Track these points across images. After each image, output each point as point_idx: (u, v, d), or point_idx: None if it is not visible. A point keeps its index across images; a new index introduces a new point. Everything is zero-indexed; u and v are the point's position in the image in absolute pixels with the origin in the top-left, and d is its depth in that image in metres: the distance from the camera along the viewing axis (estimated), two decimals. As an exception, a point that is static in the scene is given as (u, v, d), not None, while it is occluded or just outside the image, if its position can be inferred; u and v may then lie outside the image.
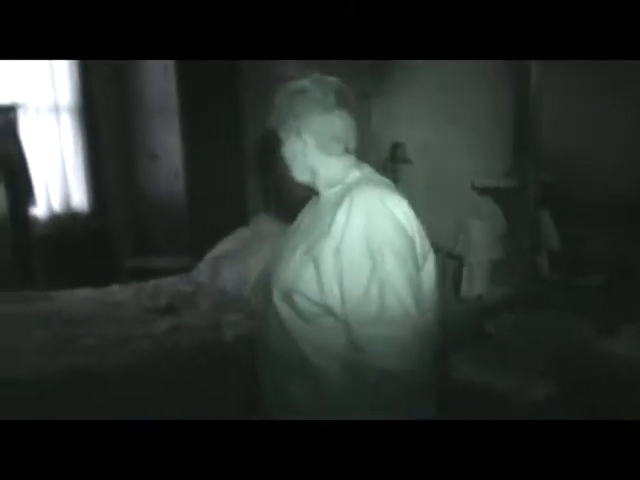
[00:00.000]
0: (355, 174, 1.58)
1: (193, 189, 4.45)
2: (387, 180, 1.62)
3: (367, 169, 1.62)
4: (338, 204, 1.49)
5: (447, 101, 2.94)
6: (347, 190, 1.51)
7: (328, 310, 1.45)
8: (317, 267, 1.44)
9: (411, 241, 1.47)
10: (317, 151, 1.57)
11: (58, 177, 4.85)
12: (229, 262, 3.62)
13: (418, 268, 1.49)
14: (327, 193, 1.60)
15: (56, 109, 4.77)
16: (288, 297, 1.48)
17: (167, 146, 4.55)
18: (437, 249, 2.71)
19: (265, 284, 1.59)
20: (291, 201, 3.95)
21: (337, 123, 1.54)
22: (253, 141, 4.36)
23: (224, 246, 3.84)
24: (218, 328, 2.89)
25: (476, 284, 2.62)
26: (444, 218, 2.90)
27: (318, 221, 1.54)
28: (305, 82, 1.55)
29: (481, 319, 2.38)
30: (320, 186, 1.61)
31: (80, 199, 5.01)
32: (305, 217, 1.68)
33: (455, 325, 2.46)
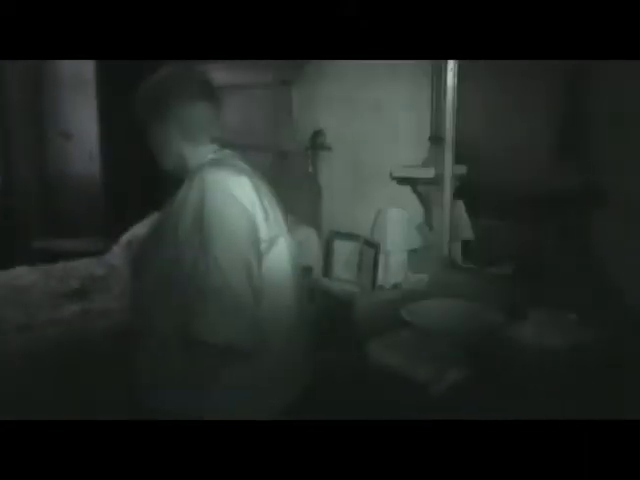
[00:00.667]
0: (209, 157, 1.65)
1: (108, 171, 4.30)
2: (242, 164, 1.70)
3: (227, 153, 1.69)
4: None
5: (368, 90, 2.96)
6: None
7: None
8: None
9: (249, 223, 1.52)
10: (182, 140, 1.64)
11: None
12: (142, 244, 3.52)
13: (257, 250, 1.54)
14: None
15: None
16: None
17: (82, 126, 4.38)
18: (356, 237, 2.76)
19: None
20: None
21: (200, 113, 1.62)
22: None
23: (138, 229, 3.71)
24: (125, 313, 2.80)
25: (392, 272, 2.66)
26: (364, 206, 2.93)
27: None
28: (169, 72, 1.58)
29: (398, 307, 2.41)
30: (188, 174, 1.64)
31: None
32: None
33: (374, 312, 2.50)
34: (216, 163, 1.64)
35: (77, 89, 4.28)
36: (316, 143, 3.15)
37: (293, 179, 3.24)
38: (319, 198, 3.11)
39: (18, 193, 4.83)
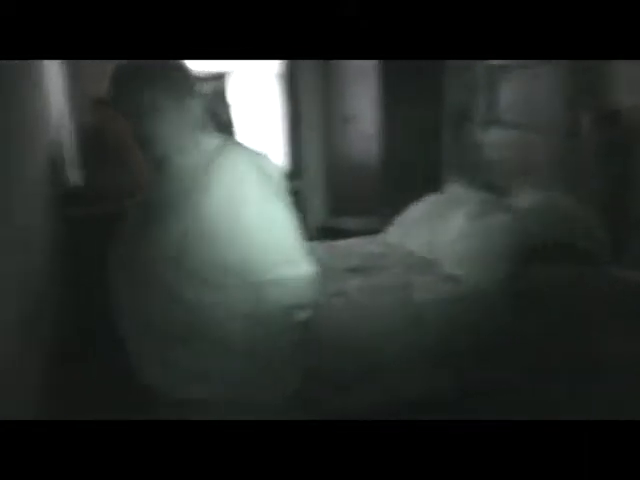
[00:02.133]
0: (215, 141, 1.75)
1: (387, 152, 4.47)
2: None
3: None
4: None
5: None
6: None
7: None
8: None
9: None
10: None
11: (257, 139, 5.15)
12: (421, 226, 3.60)
13: None
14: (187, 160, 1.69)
15: (262, 75, 5.04)
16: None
17: (363, 109, 4.61)
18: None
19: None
20: (486, 168, 3.84)
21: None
22: (451, 107, 4.26)
23: (416, 210, 3.82)
24: (407, 289, 2.90)
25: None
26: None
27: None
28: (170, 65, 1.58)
29: None
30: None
31: (279, 161, 5.27)
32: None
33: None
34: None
35: (358, 76, 4.52)
36: (610, 122, 2.89)
37: (581, 158, 3.03)
38: (609, 180, 2.86)
39: (305, 175, 5.30)
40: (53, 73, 3.69)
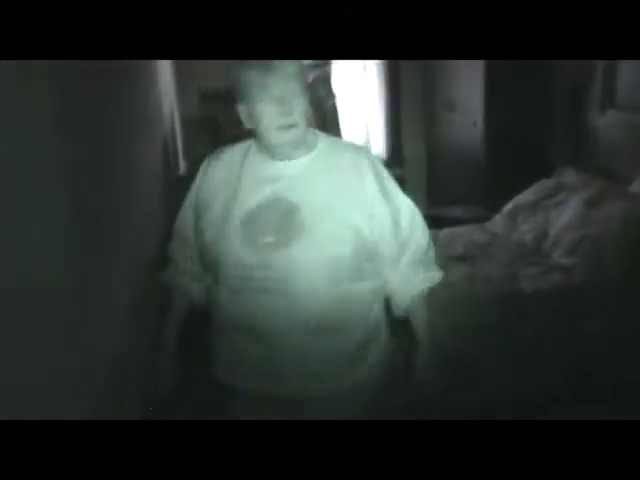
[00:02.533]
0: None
1: (492, 139, 4.34)
2: None
3: None
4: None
5: None
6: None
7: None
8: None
9: None
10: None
11: (360, 128, 5.15)
12: (529, 214, 3.48)
13: None
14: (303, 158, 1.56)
15: (364, 63, 5.04)
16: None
17: (466, 94, 4.50)
18: None
19: None
20: (601, 152, 3.63)
21: None
22: (561, 90, 4.07)
23: (524, 197, 3.69)
24: (515, 280, 2.81)
25: None
26: None
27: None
28: None
29: None
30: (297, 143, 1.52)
31: (380, 149, 5.26)
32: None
33: None
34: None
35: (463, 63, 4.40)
36: None
37: None
38: None
39: (408, 163, 5.24)
40: (164, 71, 3.87)
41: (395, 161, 5.20)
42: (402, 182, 5.22)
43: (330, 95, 4.64)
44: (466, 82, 4.48)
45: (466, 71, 4.42)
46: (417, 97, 5.20)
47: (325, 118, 4.63)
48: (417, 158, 5.31)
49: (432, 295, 2.68)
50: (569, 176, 3.61)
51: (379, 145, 5.23)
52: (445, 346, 2.56)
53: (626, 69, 3.36)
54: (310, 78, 4.46)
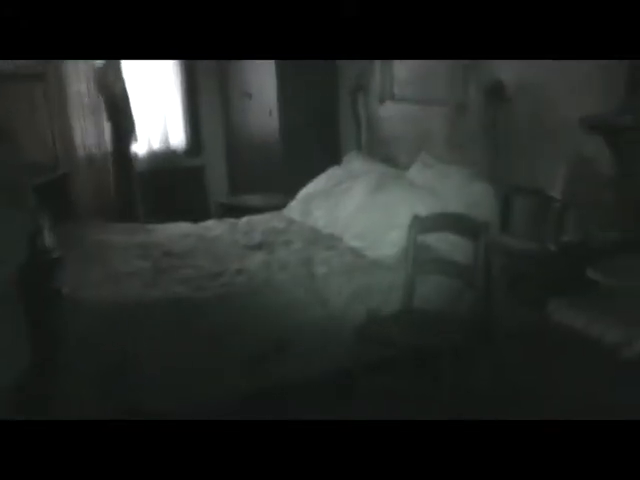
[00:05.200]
0: None
1: (287, 129, 4.46)
2: None
3: None
4: None
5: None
6: None
7: None
8: None
9: None
10: None
11: (158, 116, 4.99)
12: (321, 200, 3.63)
13: None
14: None
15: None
16: None
17: (261, 85, 4.56)
18: (538, 192, 2.62)
19: None
20: (382, 140, 3.91)
21: None
22: (347, 80, 4.30)
23: (316, 184, 3.84)
24: (309, 264, 2.92)
25: (578, 227, 2.50)
26: (545, 160, 2.77)
27: None
28: None
29: (584, 264, 2.27)
30: None
31: (178, 138, 5.15)
32: None
33: (556, 270, 2.38)
34: None
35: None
36: (495, 95, 3.01)
37: (470, 131, 3.14)
38: (497, 150, 2.99)
39: (206, 152, 5.21)
40: None
41: (194, 151, 5.16)
42: (201, 172, 5.16)
43: (119, 79, 4.43)
44: (262, 73, 4.53)
45: (261, 63, 4.47)
46: (214, 87, 5.16)
47: (114, 103, 4.42)
48: (216, 148, 5.28)
49: (229, 283, 2.69)
50: (355, 163, 3.83)
51: (178, 136, 5.13)
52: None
53: (400, 65, 3.63)
54: (100, 63, 4.23)
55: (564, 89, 2.74)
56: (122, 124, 4.52)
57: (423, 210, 2.92)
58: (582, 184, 2.47)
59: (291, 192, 4.01)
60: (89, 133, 4.42)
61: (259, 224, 3.68)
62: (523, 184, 2.79)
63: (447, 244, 2.95)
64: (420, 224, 2.83)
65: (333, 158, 4.13)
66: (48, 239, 2.17)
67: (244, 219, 3.81)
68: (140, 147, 4.88)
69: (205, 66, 5.03)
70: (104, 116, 4.46)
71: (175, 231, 3.60)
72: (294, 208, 3.84)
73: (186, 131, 5.17)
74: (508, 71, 2.97)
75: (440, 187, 3.09)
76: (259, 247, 3.25)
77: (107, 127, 4.50)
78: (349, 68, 4.22)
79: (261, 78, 4.55)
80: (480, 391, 2.67)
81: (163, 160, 5.04)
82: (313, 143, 4.39)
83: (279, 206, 4.01)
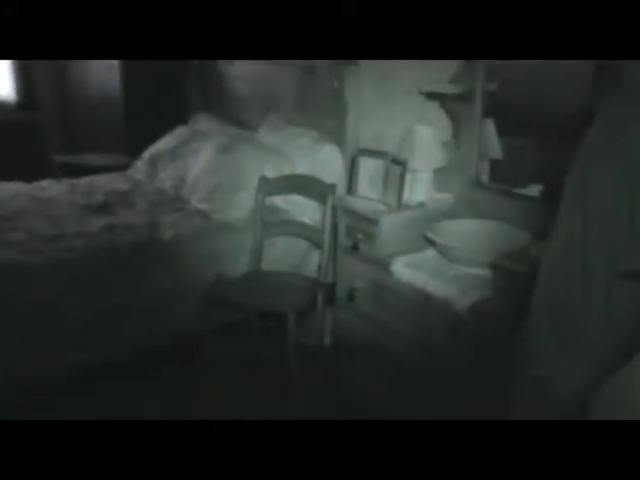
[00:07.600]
0: None
1: (130, 86, 4.24)
2: None
3: None
4: None
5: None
6: None
7: None
8: None
9: None
10: None
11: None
12: (167, 161, 3.50)
13: None
14: None
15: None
16: None
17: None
18: (382, 154, 2.71)
19: None
20: (231, 100, 3.83)
21: None
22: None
23: (162, 144, 3.70)
24: (156, 227, 2.82)
25: (418, 190, 2.62)
26: (390, 123, 2.86)
27: None
28: None
29: (422, 226, 2.40)
30: None
31: (7, 89, 4.69)
32: None
33: (398, 231, 2.49)
34: None
35: None
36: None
37: (319, 95, 3.16)
38: (345, 114, 3.04)
39: (40, 107, 4.80)
40: None
41: (28, 105, 4.73)
42: (36, 128, 4.75)
43: None
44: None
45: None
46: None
47: None
48: (53, 102, 4.89)
49: (67, 248, 2.54)
50: (203, 123, 3.73)
51: (7, 84, 4.67)
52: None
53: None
54: None
55: (406, 62, 2.84)
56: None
57: (272, 172, 2.92)
58: (422, 148, 2.59)
59: (136, 152, 3.83)
60: None
61: (101, 185, 3.49)
62: (369, 147, 2.87)
63: (295, 206, 2.99)
64: (268, 186, 2.83)
65: (180, 117, 3.98)
66: None
67: (85, 179, 3.59)
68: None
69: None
70: None
71: (3, 191, 3.30)
72: (139, 169, 3.68)
73: (17, 81, 4.73)
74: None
75: (289, 149, 3.10)
76: (101, 209, 3.09)
77: None
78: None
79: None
80: (325, 349, 2.78)
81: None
82: (159, 101, 4.19)
83: (123, 166, 3.82)
